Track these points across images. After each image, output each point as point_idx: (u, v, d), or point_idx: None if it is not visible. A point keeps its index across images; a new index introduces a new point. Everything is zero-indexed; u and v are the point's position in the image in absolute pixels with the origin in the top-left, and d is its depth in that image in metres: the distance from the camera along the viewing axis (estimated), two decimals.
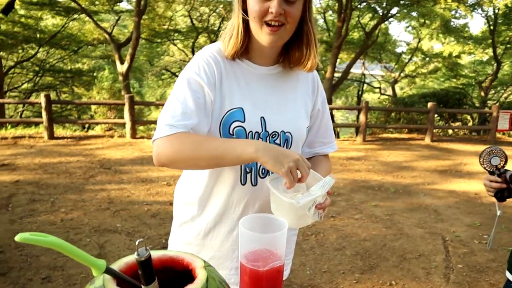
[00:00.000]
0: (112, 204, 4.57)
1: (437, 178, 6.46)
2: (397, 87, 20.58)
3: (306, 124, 1.27)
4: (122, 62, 12.68)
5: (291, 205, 0.99)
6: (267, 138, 1.17)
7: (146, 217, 4.20)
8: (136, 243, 0.65)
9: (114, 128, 9.62)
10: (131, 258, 0.75)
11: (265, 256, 0.94)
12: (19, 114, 15.80)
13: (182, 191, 1.30)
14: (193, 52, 15.89)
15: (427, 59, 19.07)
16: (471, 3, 13.27)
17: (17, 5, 13.56)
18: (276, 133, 1.18)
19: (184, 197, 1.29)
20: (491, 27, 15.00)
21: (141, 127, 11.29)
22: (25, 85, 16.93)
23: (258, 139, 1.16)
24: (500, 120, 10.09)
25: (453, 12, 15.12)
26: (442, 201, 5.24)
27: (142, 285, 0.68)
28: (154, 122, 9.09)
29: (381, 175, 6.52)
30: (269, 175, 1.19)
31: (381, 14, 14.19)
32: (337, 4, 13.86)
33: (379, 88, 20.63)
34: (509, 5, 11.12)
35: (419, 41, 18.56)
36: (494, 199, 1.51)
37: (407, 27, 18.51)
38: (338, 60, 16.04)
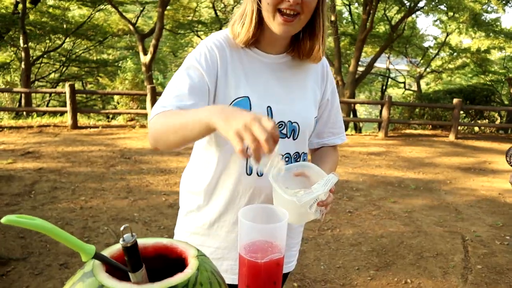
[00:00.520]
0: (130, 193, 4.64)
1: (460, 176, 6.30)
2: (422, 82, 20.13)
3: (314, 114, 1.24)
4: (145, 53, 12.81)
5: (292, 202, 0.97)
6: None
7: (163, 207, 4.24)
8: (121, 228, 0.64)
9: (136, 119, 9.75)
10: None
11: (264, 247, 0.92)
12: (46, 103, 16.18)
13: (188, 180, 1.30)
14: None
15: (455, 54, 18.57)
16: None
17: None
18: (283, 123, 1.16)
19: (190, 186, 1.28)
20: None
21: None
22: (52, 75, 17.32)
23: None
24: None
25: (484, 7, 14.63)
26: (463, 200, 5.11)
27: (128, 272, 0.67)
28: None
29: (402, 171, 6.40)
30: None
31: (408, 7, 13.86)
32: None
33: (404, 83, 20.23)
34: None
35: (447, 36, 18.06)
36: None
37: (435, 20, 18.04)
38: (363, 54, 15.77)
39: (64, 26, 14.92)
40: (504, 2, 13.31)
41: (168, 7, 13.95)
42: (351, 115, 14.88)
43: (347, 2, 16.04)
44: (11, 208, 4.00)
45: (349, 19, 17.05)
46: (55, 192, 4.56)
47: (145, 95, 8.89)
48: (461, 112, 10.49)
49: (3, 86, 13.52)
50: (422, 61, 19.18)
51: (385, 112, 9.43)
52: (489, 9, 15.35)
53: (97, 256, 0.67)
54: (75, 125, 8.51)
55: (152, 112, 1.06)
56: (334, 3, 12.93)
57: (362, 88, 21.42)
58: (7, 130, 7.99)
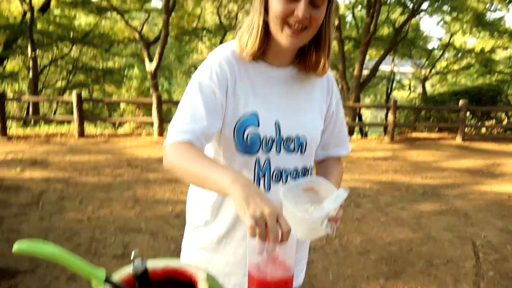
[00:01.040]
0: (137, 203, 4.64)
1: (468, 180, 6.25)
2: (427, 84, 20.07)
3: (321, 127, 1.24)
4: (151, 60, 12.88)
5: (303, 218, 0.97)
6: (281, 144, 1.15)
7: (170, 217, 4.24)
8: (132, 255, 0.64)
9: (142, 126, 9.79)
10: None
11: (273, 265, 0.92)
12: (53, 111, 16.31)
13: (195, 195, 1.29)
14: None
15: (460, 54, 18.50)
16: None
17: (52, 5, 14.01)
18: (291, 138, 1.16)
19: (197, 202, 1.28)
20: None
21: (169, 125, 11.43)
22: (59, 83, 17.47)
23: (272, 145, 1.13)
24: None
25: (487, 6, 14.57)
26: (472, 204, 5.07)
27: None
28: None
29: (409, 176, 6.36)
30: (282, 181, 1.17)
31: (411, 8, 13.84)
32: (365, 0, 13.61)
33: (409, 85, 20.17)
34: None
35: (451, 36, 18.01)
36: None
37: (439, 21, 18.01)
38: (367, 57, 15.75)
39: (71, 34, 15.06)
40: (507, 0, 13.24)
41: (173, 14, 14.04)
42: (357, 120, 14.85)
43: (350, 6, 16.05)
44: (20, 219, 4.01)
45: (353, 23, 17.05)
46: (63, 202, 4.57)
47: (151, 103, 8.93)
48: (468, 113, 10.42)
49: (12, 95, 13.65)
50: (427, 63, 19.13)
51: (390, 116, 9.39)
52: (492, 8, 15.29)
53: (108, 282, 0.66)
54: (82, 134, 8.56)
55: (169, 135, 1.07)
56: (338, 7, 12.92)
57: (367, 91, 21.39)
58: (15, 139, 8.05)
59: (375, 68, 14.55)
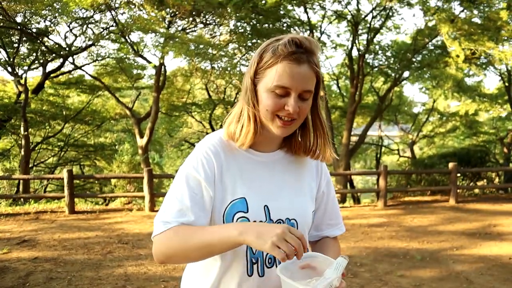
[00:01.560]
0: (128, 281, 4.47)
1: (466, 242, 6.17)
2: (416, 147, 20.44)
3: (311, 208, 1.24)
4: (141, 136, 13.06)
5: None
6: None
7: None
8: None
9: (133, 201, 9.68)
10: None
11: None
12: (44, 188, 16.15)
13: (189, 282, 1.27)
14: (210, 123, 16.30)
15: (444, 118, 19.08)
16: (482, 62, 13.46)
17: (46, 85, 14.44)
18: (281, 221, 1.16)
19: (193, 286, 1.25)
20: (506, 84, 15.03)
21: (161, 198, 11.33)
22: (50, 160, 17.48)
23: None
24: None
25: (466, 71, 15.31)
26: (473, 268, 4.96)
27: None
28: None
29: (405, 241, 6.27)
30: (276, 264, 1.16)
31: (393, 77, 14.49)
32: (349, 71, 14.25)
33: (398, 150, 20.52)
34: None
35: (434, 101, 18.69)
36: None
37: (421, 88, 18.78)
38: (354, 124, 16.17)
39: (64, 112, 15.36)
40: (483, 66, 13.95)
41: (163, 91, 14.49)
42: (348, 186, 14.88)
43: (334, 77, 16.74)
44: None
45: (338, 92, 17.69)
46: (51, 283, 4.38)
47: (142, 177, 8.91)
48: (458, 175, 10.53)
49: (2, 173, 13.57)
50: (413, 127, 19.64)
51: (382, 182, 9.44)
52: (471, 73, 16.04)
53: None
54: (72, 210, 8.42)
55: (156, 228, 1.09)
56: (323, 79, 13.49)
57: (357, 157, 21.66)
58: (3, 217, 7.87)
59: (363, 135, 14.88)
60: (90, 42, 12.91)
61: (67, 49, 12.63)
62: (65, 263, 5.11)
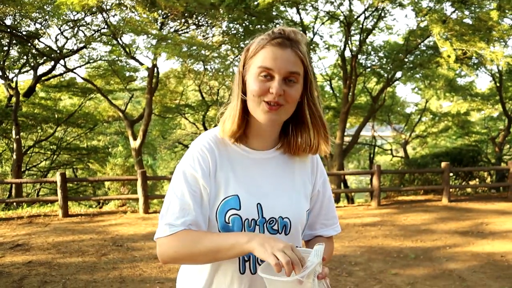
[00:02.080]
0: (123, 283, 4.46)
1: (459, 241, 6.22)
2: (409, 147, 20.55)
3: (306, 207, 1.24)
4: (135, 138, 13.00)
5: (294, 282, 0.95)
6: (264, 225, 1.15)
7: None
8: None
9: (127, 204, 9.65)
10: None
11: None
12: (36, 192, 16.03)
13: (184, 281, 1.29)
14: (203, 125, 16.27)
15: (437, 118, 19.22)
16: (473, 63, 13.58)
17: (37, 88, 14.32)
18: (274, 219, 1.16)
19: (187, 285, 1.27)
20: (498, 84, 15.18)
21: (155, 200, 11.30)
22: (42, 163, 17.35)
23: (255, 226, 1.14)
24: None
25: (457, 71, 15.42)
26: (466, 266, 5.00)
27: None
28: None
29: (399, 240, 6.31)
30: None
31: (386, 78, 14.57)
32: (342, 72, 14.31)
33: (391, 150, 20.62)
34: (511, 63, 11.35)
35: (426, 101, 18.82)
36: None
37: (413, 88, 18.90)
38: (348, 125, 16.22)
39: (56, 115, 15.25)
40: (475, 67, 14.05)
41: (156, 93, 14.45)
42: (342, 186, 14.93)
43: (327, 78, 16.79)
44: None
45: (331, 93, 17.73)
46: (45, 287, 4.36)
47: (136, 179, 8.89)
48: (451, 174, 10.61)
49: None
50: (406, 127, 19.75)
51: (375, 182, 9.49)
52: (462, 73, 16.15)
53: None
54: (66, 214, 8.37)
55: (161, 230, 1.11)
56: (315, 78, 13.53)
57: (350, 157, 21.73)
58: None
59: (356, 136, 14.92)
60: (82, 45, 12.82)
61: (58, 51, 12.53)
62: (60, 266, 5.08)
